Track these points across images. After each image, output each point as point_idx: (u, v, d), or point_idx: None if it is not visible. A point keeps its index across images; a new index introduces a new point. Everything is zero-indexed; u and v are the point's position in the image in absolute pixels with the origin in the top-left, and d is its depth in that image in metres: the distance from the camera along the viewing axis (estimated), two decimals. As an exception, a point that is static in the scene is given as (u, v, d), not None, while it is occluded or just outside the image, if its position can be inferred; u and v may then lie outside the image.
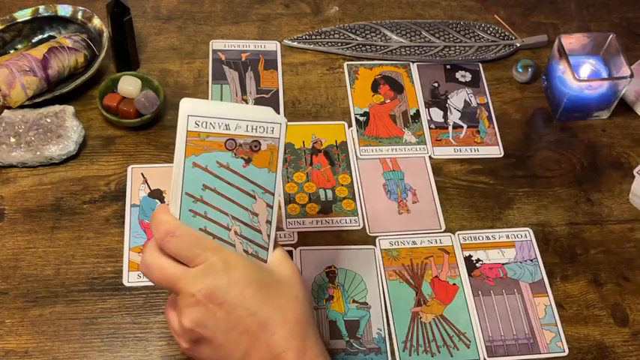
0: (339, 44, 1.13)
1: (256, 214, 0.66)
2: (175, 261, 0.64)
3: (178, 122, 0.64)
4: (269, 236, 0.67)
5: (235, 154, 0.64)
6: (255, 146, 0.65)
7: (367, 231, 0.94)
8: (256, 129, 0.64)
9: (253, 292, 0.63)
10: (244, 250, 0.66)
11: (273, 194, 0.66)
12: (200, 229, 0.65)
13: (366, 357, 0.84)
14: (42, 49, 0.99)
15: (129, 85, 1.00)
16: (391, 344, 0.85)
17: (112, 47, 1.04)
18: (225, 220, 0.65)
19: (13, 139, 0.95)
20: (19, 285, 0.86)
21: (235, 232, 0.65)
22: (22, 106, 0.98)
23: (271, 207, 0.67)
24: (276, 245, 0.69)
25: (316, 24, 1.16)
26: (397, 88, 1.10)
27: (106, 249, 0.90)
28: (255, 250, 0.67)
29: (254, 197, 0.65)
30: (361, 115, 1.06)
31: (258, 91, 1.07)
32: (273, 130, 0.65)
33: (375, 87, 1.09)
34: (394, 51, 1.13)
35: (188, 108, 0.63)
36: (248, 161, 0.65)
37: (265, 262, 0.68)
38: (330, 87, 1.09)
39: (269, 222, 0.67)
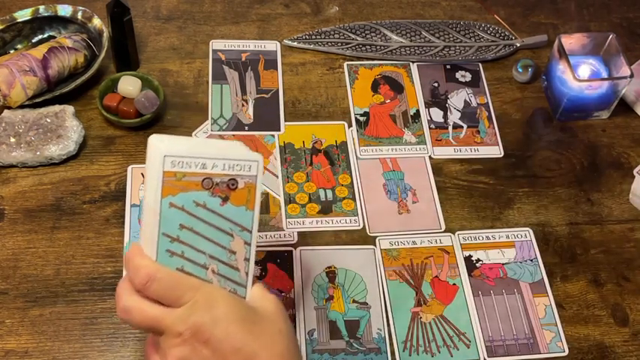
0: (339, 44, 1.13)
1: (234, 252, 0.65)
2: (154, 302, 0.63)
3: (152, 161, 0.62)
4: (247, 274, 0.66)
5: (212, 193, 0.63)
6: (233, 184, 0.64)
7: (367, 231, 0.94)
8: (233, 167, 0.63)
9: (238, 329, 0.62)
10: (222, 288, 0.65)
11: (250, 232, 0.65)
12: (177, 269, 0.63)
13: (366, 357, 0.84)
14: (42, 49, 0.99)
15: (129, 85, 1.00)
16: (391, 344, 0.85)
17: (112, 47, 1.04)
18: (203, 259, 0.64)
19: (13, 139, 0.95)
20: (19, 285, 0.86)
21: (213, 271, 0.64)
22: (22, 106, 0.98)
23: (249, 244, 0.66)
24: (256, 281, 0.68)
25: (316, 24, 1.16)
26: (397, 88, 1.10)
27: (106, 249, 0.90)
28: (234, 287, 0.66)
29: (232, 235, 0.65)
30: (361, 115, 1.06)
31: (258, 91, 1.07)
32: (250, 168, 0.64)
33: (375, 87, 1.09)
34: (394, 51, 1.13)
35: (163, 148, 0.61)
36: (225, 200, 0.64)
37: (244, 299, 0.67)
38: (330, 87, 1.09)
39: (247, 259, 0.66)
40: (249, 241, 0.66)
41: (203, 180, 0.62)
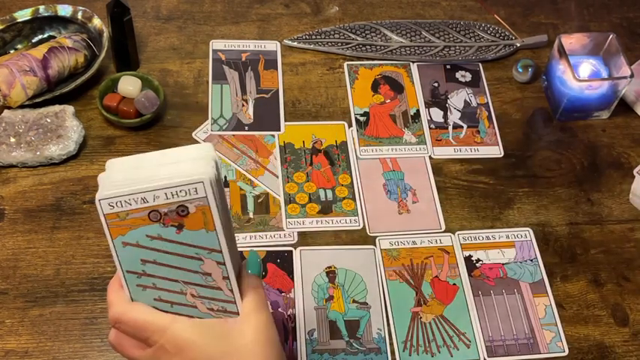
0: (339, 44, 1.13)
1: (209, 274, 0.61)
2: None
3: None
4: (231, 290, 0.62)
5: (164, 224, 0.58)
6: (183, 211, 0.58)
7: (367, 231, 0.94)
8: (177, 194, 0.57)
9: None
10: (209, 309, 0.63)
11: (220, 252, 0.60)
12: (155, 299, 0.62)
13: (366, 357, 0.84)
14: (42, 49, 0.99)
15: (129, 85, 1.00)
16: (391, 344, 0.85)
17: (112, 47, 1.04)
18: (177, 286, 0.61)
19: (13, 139, 0.95)
20: (19, 285, 0.86)
21: (192, 295, 0.62)
22: (22, 106, 0.98)
23: (223, 263, 0.61)
24: (249, 290, 0.64)
25: (316, 24, 1.16)
26: (397, 88, 1.10)
27: (106, 249, 0.89)
28: (222, 305, 0.63)
29: (200, 259, 0.60)
30: (361, 115, 1.06)
31: (258, 91, 1.07)
32: (197, 191, 0.57)
33: (375, 87, 1.09)
34: (394, 51, 1.13)
35: (99, 192, 0.57)
36: (180, 227, 0.59)
37: (237, 314, 0.63)
38: (330, 87, 1.09)
39: (226, 277, 0.61)
40: (222, 261, 0.61)
41: (149, 213, 0.58)
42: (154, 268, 0.60)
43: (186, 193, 0.57)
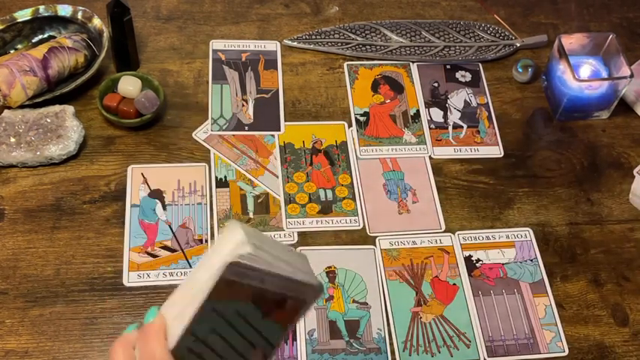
0: (339, 44, 1.13)
1: None
2: None
3: (218, 253, 0.55)
4: None
5: (257, 306, 0.57)
6: (281, 304, 0.58)
7: (367, 231, 0.94)
8: (289, 287, 0.57)
9: None
10: None
11: (273, 346, 0.60)
12: None
13: (366, 357, 0.84)
14: (42, 49, 0.99)
15: (129, 85, 1.00)
16: (391, 344, 0.85)
17: (112, 47, 1.04)
18: None
19: (13, 139, 0.95)
20: (19, 285, 0.86)
21: None
22: (22, 106, 0.98)
23: (268, 357, 0.60)
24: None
25: (316, 24, 1.16)
26: (397, 88, 1.10)
27: (106, 249, 0.90)
28: None
29: (254, 346, 0.59)
30: (361, 115, 1.06)
31: (258, 91, 1.07)
32: (304, 292, 0.58)
33: (375, 87, 1.09)
34: (394, 51, 1.13)
35: (231, 252, 0.54)
36: (267, 315, 0.58)
37: None
38: (330, 87, 1.09)
39: None
40: (269, 355, 0.60)
41: (254, 292, 0.56)
42: (215, 340, 0.57)
43: (296, 290, 0.57)
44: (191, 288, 0.56)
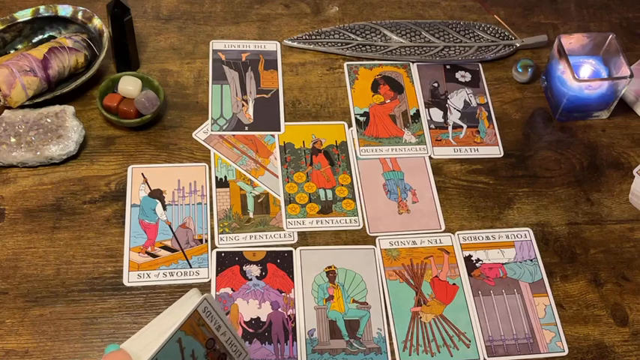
0: (339, 44, 1.13)
1: None
2: None
3: (188, 296, 0.70)
4: None
5: (206, 354, 0.68)
6: (222, 358, 0.70)
7: (367, 231, 0.94)
8: (232, 345, 0.70)
9: None
10: None
11: None
12: None
13: (366, 357, 0.84)
14: (42, 49, 1.00)
15: (129, 85, 1.00)
16: (391, 344, 0.85)
17: (112, 47, 1.04)
18: None
19: (13, 139, 0.95)
20: (20, 285, 0.86)
21: None
22: (22, 106, 0.98)
23: None
24: None
25: (316, 24, 1.16)
26: (397, 88, 1.10)
27: (106, 249, 0.90)
28: None
29: None
30: (361, 115, 1.06)
31: (258, 91, 1.07)
32: (239, 356, 0.71)
33: (375, 87, 1.09)
34: (394, 51, 1.13)
35: (209, 296, 0.67)
36: None
37: None
38: (330, 87, 1.09)
39: None
40: None
41: (210, 338, 0.68)
42: None
43: (236, 349, 0.71)
44: (156, 331, 0.67)
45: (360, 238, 0.94)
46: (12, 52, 1.05)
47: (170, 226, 0.92)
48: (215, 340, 0.69)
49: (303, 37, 1.13)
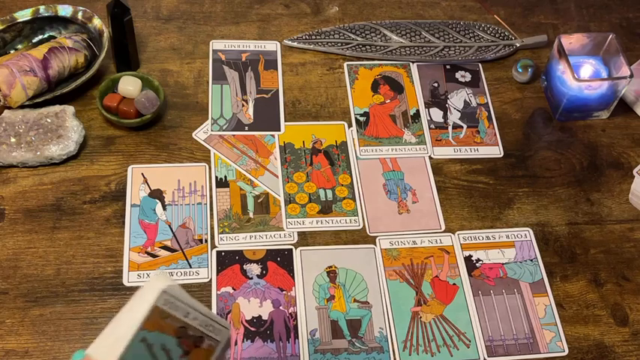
0: (339, 44, 1.13)
1: None
2: None
3: (144, 292, 0.62)
4: None
5: (179, 343, 0.64)
6: (199, 342, 0.65)
7: (367, 231, 0.94)
8: (207, 326, 0.66)
9: None
10: None
11: None
12: None
13: (368, 356, 0.84)
14: (42, 49, 1.00)
15: (129, 85, 1.00)
16: (391, 344, 0.85)
17: (112, 47, 1.04)
18: None
19: (13, 139, 0.95)
20: (20, 285, 0.86)
21: None
22: (22, 106, 0.98)
23: None
24: None
25: (316, 24, 1.16)
26: (397, 88, 1.10)
27: (106, 249, 0.90)
28: None
29: None
30: (361, 115, 1.06)
31: (258, 91, 1.07)
32: (219, 333, 0.67)
33: (375, 87, 1.09)
34: (394, 51, 1.13)
35: (163, 284, 0.62)
36: (186, 354, 0.64)
37: None
38: (330, 87, 1.09)
39: None
40: None
41: (179, 327, 0.63)
42: None
43: (212, 329, 0.66)
44: (117, 329, 0.62)
45: (360, 238, 0.94)
46: (12, 52, 1.05)
47: (170, 226, 0.92)
48: (187, 327, 0.64)
49: (303, 37, 1.13)
